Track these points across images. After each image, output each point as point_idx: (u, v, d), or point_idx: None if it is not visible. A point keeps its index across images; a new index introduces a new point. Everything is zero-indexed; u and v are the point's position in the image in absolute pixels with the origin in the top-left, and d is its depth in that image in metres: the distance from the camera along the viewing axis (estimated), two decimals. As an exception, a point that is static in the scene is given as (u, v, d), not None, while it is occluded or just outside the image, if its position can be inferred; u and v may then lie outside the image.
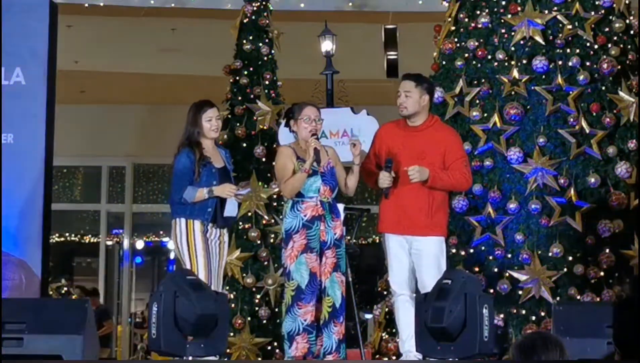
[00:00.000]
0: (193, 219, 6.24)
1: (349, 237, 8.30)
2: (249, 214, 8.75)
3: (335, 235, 6.18)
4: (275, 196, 8.69)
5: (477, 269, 7.48)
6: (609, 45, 7.81)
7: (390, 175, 6.15)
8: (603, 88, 7.71)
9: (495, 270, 7.46)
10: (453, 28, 8.16)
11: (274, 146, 8.81)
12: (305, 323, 6.09)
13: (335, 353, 6.09)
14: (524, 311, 7.35)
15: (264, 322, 8.59)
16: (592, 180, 7.51)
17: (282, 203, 8.42)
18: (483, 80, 7.84)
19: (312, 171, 6.19)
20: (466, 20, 8.07)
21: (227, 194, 6.26)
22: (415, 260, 6.21)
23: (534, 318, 7.31)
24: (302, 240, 6.14)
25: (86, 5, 11.17)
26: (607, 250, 7.41)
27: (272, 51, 9.22)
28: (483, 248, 7.53)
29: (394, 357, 7.47)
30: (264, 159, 8.88)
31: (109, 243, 15.09)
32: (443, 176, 6.20)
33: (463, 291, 5.28)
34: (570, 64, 7.72)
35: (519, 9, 7.85)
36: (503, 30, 7.87)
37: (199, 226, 6.23)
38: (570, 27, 7.79)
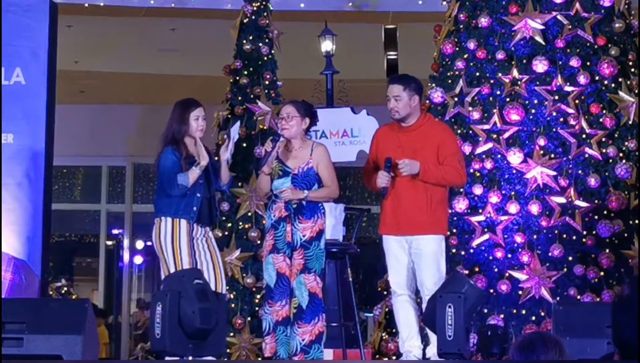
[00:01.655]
0: (179, 219, 6.22)
1: (349, 237, 8.30)
2: (249, 214, 8.75)
3: (304, 236, 6.11)
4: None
5: (477, 269, 7.48)
6: (609, 45, 7.81)
7: (389, 175, 6.14)
8: (603, 88, 7.71)
9: (495, 270, 7.46)
10: (453, 28, 8.16)
11: (274, 146, 8.81)
12: (274, 322, 6.09)
13: (300, 354, 6.04)
14: (524, 311, 7.35)
15: (264, 321, 8.59)
16: (592, 180, 7.51)
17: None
18: (483, 80, 7.84)
19: (284, 172, 6.18)
20: (466, 20, 8.07)
21: (206, 157, 6.23)
22: (415, 260, 6.20)
23: (534, 318, 7.31)
24: (270, 240, 6.17)
25: (86, 5, 11.18)
26: (607, 250, 7.41)
27: (272, 51, 9.22)
28: (483, 248, 7.53)
29: (394, 357, 7.47)
30: (264, 159, 8.87)
31: (109, 243, 15.09)
32: (435, 170, 6.16)
33: (437, 292, 5.31)
34: (570, 64, 7.72)
35: (519, 9, 7.85)
36: (503, 30, 7.88)
37: (184, 225, 6.21)
38: (570, 27, 7.80)
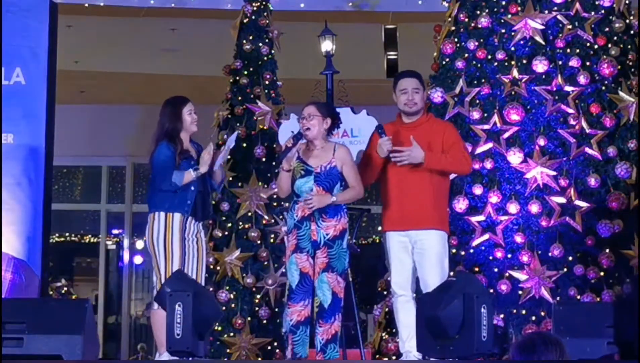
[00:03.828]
0: (172, 213, 6.19)
1: (349, 237, 8.30)
2: (249, 214, 8.75)
3: (328, 235, 6.09)
4: (275, 196, 8.68)
5: (477, 269, 7.48)
6: (609, 45, 7.81)
7: (389, 138, 6.13)
8: (603, 88, 7.71)
9: (495, 270, 7.46)
10: (453, 28, 8.16)
11: (274, 146, 8.81)
12: (291, 323, 6.07)
13: (320, 353, 6.04)
14: (524, 311, 7.35)
15: (264, 321, 8.59)
16: (592, 180, 7.51)
17: (282, 203, 8.43)
18: (483, 80, 7.85)
19: (306, 171, 6.16)
20: (466, 20, 8.07)
21: (207, 163, 6.22)
22: (419, 259, 6.18)
23: (534, 318, 7.31)
24: (293, 240, 6.12)
25: (86, 5, 11.17)
26: (607, 250, 7.41)
27: (272, 51, 9.22)
28: (483, 248, 7.53)
29: (394, 357, 7.47)
30: (264, 159, 8.88)
31: (109, 243, 15.08)
32: (440, 157, 6.16)
33: (462, 290, 5.26)
34: (570, 64, 7.73)
35: (519, 9, 7.85)
36: (503, 30, 7.88)
37: (178, 220, 6.19)
38: (570, 27, 7.80)
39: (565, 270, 7.37)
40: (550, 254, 7.39)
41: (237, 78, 9.09)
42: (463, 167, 6.37)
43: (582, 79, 7.67)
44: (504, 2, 7.92)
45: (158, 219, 6.22)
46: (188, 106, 6.37)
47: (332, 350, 6.08)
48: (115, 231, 15.09)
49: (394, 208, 6.24)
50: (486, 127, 7.71)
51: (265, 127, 8.94)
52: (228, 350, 8.43)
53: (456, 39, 8.09)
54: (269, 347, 8.54)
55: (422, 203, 6.16)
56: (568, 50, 7.78)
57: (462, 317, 5.11)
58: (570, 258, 7.41)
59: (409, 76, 6.37)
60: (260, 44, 9.15)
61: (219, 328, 8.42)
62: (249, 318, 8.57)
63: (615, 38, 7.87)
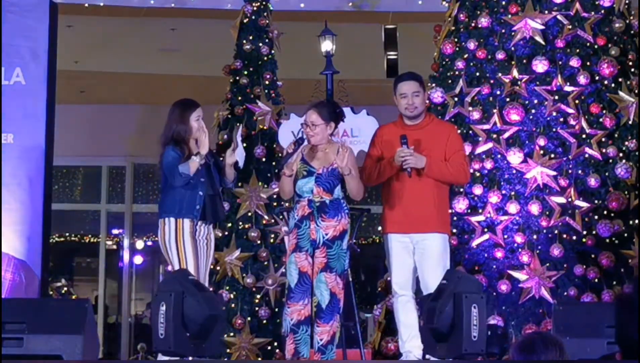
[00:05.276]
0: (182, 219, 6.19)
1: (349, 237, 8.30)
2: (249, 214, 8.75)
3: (327, 235, 6.07)
4: (275, 196, 8.69)
5: (477, 269, 7.48)
6: (609, 45, 7.81)
7: (410, 149, 6.11)
8: (603, 88, 7.71)
9: (495, 270, 7.46)
10: (453, 28, 8.16)
11: (274, 146, 8.82)
12: (292, 322, 6.05)
13: (318, 353, 6.02)
14: (524, 311, 7.35)
15: (264, 321, 8.59)
16: (592, 180, 7.51)
17: (282, 203, 8.44)
18: (483, 80, 7.84)
19: (308, 172, 6.16)
20: (466, 20, 8.07)
21: (205, 144, 6.21)
22: (420, 260, 6.18)
23: (534, 318, 7.31)
24: (293, 240, 6.12)
25: (86, 5, 11.18)
26: (607, 250, 7.41)
27: (272, 51, 9.22)
28: (483, 248, 7.53)
29: (394, 357, 7.47)
30: (263, 159, 8.88)
31: (109, 243, 15.08)
32: (441, 165, 6.16)
33: (454, 291, 5.28)
34: (570, 64, 7.73)
35: (519, 9, 7.85)
36: (503, 30, 7.88)
37: (188, 225, 6.19)
38: (570, 27, 7.80)
39: (565, 270, 7.37)
40: (550, 254, 7.39)
41: (237, 78, 9.09)
42: (461, 178, 6.40)
43: (582, 79, 7.67)
44: (504, 2, 7.92)
45: (168, 224, 6.21)
46: (197, 111, 6.34)
47: (330, 352, 6.07)
48: (115, 231, 15.09)
49: (397, 211, 6.23)
50: (486, 127, 7.71)
51: (265, 128, 8.94)
52: (228, 350, 8.43)
53: (456, 39, 8.10)
54: (269, 347, 8.54)
55: (426, 206, 6.16)
56: (568, 50, 7.78)
57: (452, 317, 5.15)
58: (570, 258, 7.41)
59: (408, 79, 6.33)
60: (260, 44, 9.15)
61: (219, 328, 8.43)
62: (249, 318, 8.57)
63: (615, 38, 7.87)
